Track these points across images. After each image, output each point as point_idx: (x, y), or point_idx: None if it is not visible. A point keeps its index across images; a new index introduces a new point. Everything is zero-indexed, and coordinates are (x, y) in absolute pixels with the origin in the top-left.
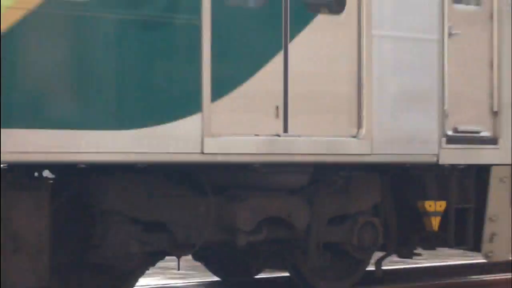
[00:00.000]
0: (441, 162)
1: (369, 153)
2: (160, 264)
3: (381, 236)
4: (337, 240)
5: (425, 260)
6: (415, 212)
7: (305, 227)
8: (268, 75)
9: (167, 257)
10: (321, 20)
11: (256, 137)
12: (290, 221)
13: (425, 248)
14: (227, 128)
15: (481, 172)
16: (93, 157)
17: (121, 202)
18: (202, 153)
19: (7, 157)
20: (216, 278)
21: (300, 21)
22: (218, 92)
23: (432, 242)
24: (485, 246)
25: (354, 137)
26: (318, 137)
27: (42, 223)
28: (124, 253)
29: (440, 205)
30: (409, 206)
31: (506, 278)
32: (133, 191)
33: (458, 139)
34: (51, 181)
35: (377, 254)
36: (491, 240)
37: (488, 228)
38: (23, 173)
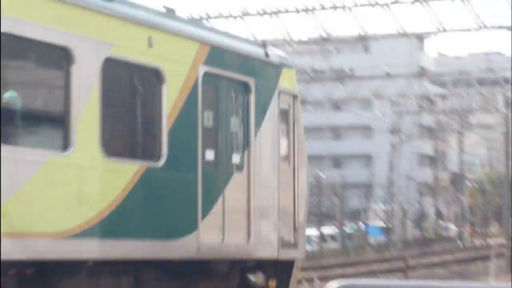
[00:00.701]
0: (279, 258)
1: (255, 250)
2: None
3: None
4: None
5: None
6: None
7: None
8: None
9: None
10: (235, 175)
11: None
12: None
13: None
14: (209, 238)
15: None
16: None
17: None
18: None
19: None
20: None
21: (229, 178)
22: (203, 217)
23: None
24: None
25: (247, 242)
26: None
27: None
28: None
29: (275, 282)
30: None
31: None
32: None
33: (285, 244)
34: None
35: None
36: None
37: None
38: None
